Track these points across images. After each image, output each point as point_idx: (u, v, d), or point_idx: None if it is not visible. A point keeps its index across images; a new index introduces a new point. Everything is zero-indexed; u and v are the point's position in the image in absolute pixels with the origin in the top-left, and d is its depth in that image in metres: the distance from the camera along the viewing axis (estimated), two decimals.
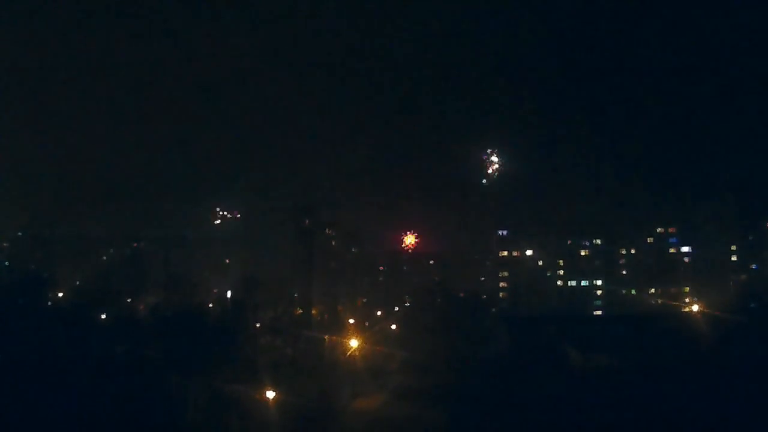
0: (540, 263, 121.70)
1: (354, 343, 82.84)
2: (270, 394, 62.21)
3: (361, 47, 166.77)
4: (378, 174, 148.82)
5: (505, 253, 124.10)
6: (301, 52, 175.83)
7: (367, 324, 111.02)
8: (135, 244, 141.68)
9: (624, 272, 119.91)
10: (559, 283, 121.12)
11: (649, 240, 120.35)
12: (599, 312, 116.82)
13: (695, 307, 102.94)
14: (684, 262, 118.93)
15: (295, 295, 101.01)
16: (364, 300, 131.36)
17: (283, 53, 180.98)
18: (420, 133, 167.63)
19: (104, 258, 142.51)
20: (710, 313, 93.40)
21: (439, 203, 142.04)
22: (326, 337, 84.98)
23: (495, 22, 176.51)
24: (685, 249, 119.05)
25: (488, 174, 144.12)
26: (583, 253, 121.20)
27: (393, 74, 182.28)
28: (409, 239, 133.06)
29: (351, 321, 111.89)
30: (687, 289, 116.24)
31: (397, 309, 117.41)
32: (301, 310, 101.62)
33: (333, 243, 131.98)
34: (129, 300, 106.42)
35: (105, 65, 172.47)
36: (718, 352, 76.31)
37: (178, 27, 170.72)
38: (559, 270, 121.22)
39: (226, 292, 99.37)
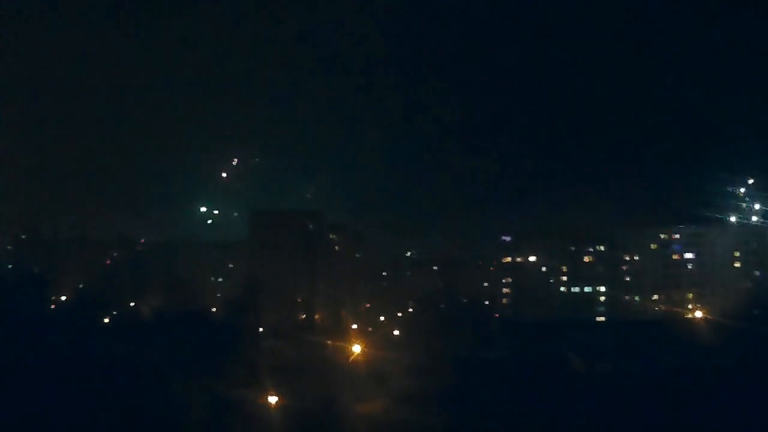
0: (543, 269, 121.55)
1: (357, 347, 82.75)
2: (273, 399, 62.20)
3: (367, 48, 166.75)
4: (383, 178, 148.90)
5: (509, 258, 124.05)
6: (306, 53, 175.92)
7: (370, 329, 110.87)
8: (138, 247, 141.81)
9: (627, 278, 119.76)
10: (562, 289, 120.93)
11: (653, 246, 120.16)
12: (602, 318, 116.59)
13: (698, 314, 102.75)
14: (687, 268, 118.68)
15: (299, 299, 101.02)
16: (368, 305, 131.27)
17: (288, 54, 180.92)
18: (423, 137, 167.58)
19: (107, 261, 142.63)
20: (714, 319, 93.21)
21: (443, 208, 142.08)
22: (329, 341, 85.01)
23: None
24: (688, 255, 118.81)
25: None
26: (586, 259, 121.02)
27: (399, 77, 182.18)
28: None
29: (354, 326, 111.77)
30: (690, 295, 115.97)
31: (400, 314, 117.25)
32: (304, 315, 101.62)
33: (337, 248, 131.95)
34: (132, 303, 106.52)
35: (107, 66, 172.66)
36: (721, 358, 75.92)
37: (180, 29, 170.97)
38: (563, 276, 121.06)
39: (230, 296, 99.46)
